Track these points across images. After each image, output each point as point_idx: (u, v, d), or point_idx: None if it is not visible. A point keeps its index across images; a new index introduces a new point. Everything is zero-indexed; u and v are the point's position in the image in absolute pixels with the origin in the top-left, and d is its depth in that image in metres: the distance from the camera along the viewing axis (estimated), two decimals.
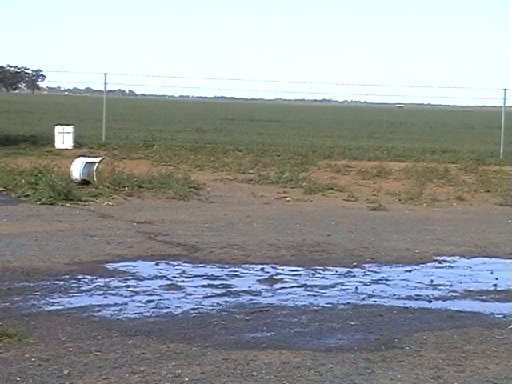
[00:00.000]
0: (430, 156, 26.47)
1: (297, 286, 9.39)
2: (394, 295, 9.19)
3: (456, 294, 9.35)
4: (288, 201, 17.16)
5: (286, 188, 19.06)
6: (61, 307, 8.07)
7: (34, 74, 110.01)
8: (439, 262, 11.16)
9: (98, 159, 18.71)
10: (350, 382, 6.17)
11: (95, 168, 17.89)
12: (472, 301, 9.09)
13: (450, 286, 9.75)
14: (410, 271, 10.51)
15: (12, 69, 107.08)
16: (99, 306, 8.18)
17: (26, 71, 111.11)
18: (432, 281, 9.93)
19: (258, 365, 6.47)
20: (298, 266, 10.41)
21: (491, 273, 10.59)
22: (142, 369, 6.30)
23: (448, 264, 11.11)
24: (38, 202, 15.22)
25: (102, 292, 8.74)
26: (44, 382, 5.99)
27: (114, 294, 8.66)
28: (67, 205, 15.16)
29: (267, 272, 10.06)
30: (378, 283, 9.73)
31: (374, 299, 8.95)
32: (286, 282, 9.61)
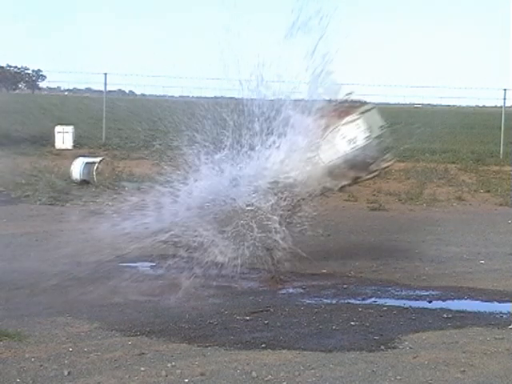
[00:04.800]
0: (429, 156, 26.45)
1: (296, 287, 9.39)
2: (394, 295, 9.20)
3: (456, 294, 9.35)
4: None
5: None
6: (61, 307, 8.07)
7: (34, 74, 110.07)
8: (439, 262, 11.16)
9: (97, 159, 18.71)
10: (350, 383, 6.17)
11: (95, 168, 17.89)
12: (472, 301, 9.09)
13: (450, 285, 9.75)
14: (409, 271, 10.51)
15: (12, 69, 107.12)
16: (99, 306, 8.19)
17: (26, 71, 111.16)
18: (432, 281, 9.94)
19: (258, 365, 6.47)
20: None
21: (491, 273, 10.59)
22: (142, 369, 6.30)
23: (448, 264, 11.10)
24: (38, 202, 15.22)
25: (101, 292, 8.74)
26: (44, 382, 5.99)
27: (113, 294, 8.66)
28: (67, 205, 15.16)
29: None
30: (377, 283, 9.74)
31: (373, 299, 8.95)
32: (286, 281, 9.62)
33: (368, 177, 9.87)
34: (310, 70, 9.49)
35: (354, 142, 9.37)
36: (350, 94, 9.59)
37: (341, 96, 9.59)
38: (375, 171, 9.78)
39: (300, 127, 9.46)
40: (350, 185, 10.06)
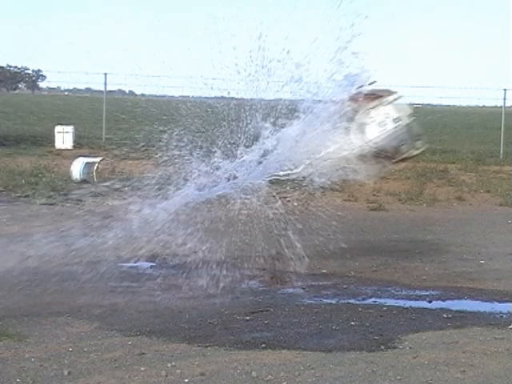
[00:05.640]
0: (429, 156, 26.47)
1: (296, 287, 9.39)
2: (394, 295, 9.20)
3: (456, 294, 9.35)
4: (288, 201, 17.13)
5: (287, 188, 19.00)
6: (61, 307, 8.07)
7: (34, 74, 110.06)
8: (439, 262, 11.16)
9: (97, 159, 18.70)
10: (350, 383, 6.17)
11: (95, 168, 17.88)
12: (472, 301, 9.09)
13: (450, 285, 9.75)
14: (409, 271, 10.51)
15: (12, 69, 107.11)
16: (99, 306, 8.18)
17: (26, 71, 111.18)
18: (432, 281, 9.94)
19: (257, 365, 6.47)
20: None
21: (491, 273, 10.59)
22: (142, 369, 6.29)
23: (448, 264, 11.10)
24: (38, 202, 15.22)
25: (101, 292, 8.74)
26: (44, 382, 5.99)
27: (113, 294, 8.66)
28: (67, 205, 15.15)
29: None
30: (377, 283, 9.74)
31: (374, 299, 8.95)
32: (286, 281, 9.62)
33: (397, 160, 9.82)
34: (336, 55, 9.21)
35: (384, 125, 9.33)
36: (374, 82, 9.52)
37: (365, 82, 9.47)
38: (404, 157, 9.75)
39: (326, 112, 9.32)
40: (380, 169, 9.99)
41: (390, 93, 9.45)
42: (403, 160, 10.02)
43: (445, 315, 8.30)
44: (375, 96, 9.40)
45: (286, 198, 18.15)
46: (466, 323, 8.01)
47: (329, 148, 9.38)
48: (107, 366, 6.34)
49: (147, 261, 10.54)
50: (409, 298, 9.05)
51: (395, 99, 9.38)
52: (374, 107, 9.34)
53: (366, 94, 9.36)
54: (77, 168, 17.94)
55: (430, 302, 8.95)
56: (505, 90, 29.19)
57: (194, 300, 8.55)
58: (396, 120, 9.27)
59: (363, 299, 8.92)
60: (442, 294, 9.30)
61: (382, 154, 9.39)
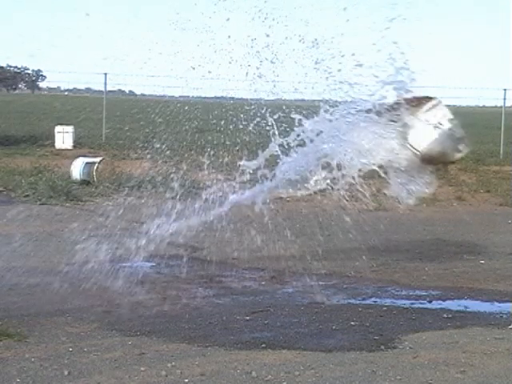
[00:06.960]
0: None
1: (296, 287, 9.39)
2: (394, 295, 9.20)
3: (456, 294, 9.35)
4: (288, 201, 17.14)
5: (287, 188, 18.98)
6: (61, 307, 8.07)
7: (34, 74, 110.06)
8: (439, 262, 11.16)
9: (97, 159, 18.70)
10: (350, 383, 6.17)
11: (95, 168, 17.89)
12: (472, 301, 9.09)
13: (450, 285, 9.75)
14: (409, 271, 10.51)
15: (12, 69, 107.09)
16: (99, 306, 8.18)
17: (26, 71, 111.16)
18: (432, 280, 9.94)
19: (257, 365, 6.47)
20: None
21: (491, 273, 10.59)
22: (142, 369, 6.29)
23: (448, 264, 11.10)
24: (38, 202, 15.21)
25: (101, 292, 8.74)
26: (44, 382, 5.99)
27: (113, 294, 8.66)
28: (67, 205, 15.15)
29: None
30: (377, 283, 9.74)
31: (374, 299, 8.95)
32: (286, 281, 9.62)
33: (443, 165, 9.80)
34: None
35: (428, 130, 9.31)
36: (410, 91, 9.51)
37: (409, 82, 9.41)
38: (449, 161, 9.75)
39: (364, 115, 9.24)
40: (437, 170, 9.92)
41: (430, 98, 9.47)
42: (448, 164, 10.00)
43: (445, 315, 8.30)
44: (416, 102, 9.39)
45: (286, 198, 18.13)
46: (466, 323, 8.01)
47: (366, 153, 9.34)
48: (107, 366, 6.34)
49: (147, 261, 10.55)
50: (409, 298, 9.05)
51: (436, 105, 9.38)
52: (415, 113, 9.33)
53: (406, 100, 9.35)
54: (77, 168, 17.94)
55: (430, 301, 8.95)
56: (505, 90, 29.19)
57: (194, 300, 8.55)
58: (439, 125, 9.27)
59: (363, 299, 8.92)
60: (442, 294, 9.30)
61: (426, 160, 9.38)
